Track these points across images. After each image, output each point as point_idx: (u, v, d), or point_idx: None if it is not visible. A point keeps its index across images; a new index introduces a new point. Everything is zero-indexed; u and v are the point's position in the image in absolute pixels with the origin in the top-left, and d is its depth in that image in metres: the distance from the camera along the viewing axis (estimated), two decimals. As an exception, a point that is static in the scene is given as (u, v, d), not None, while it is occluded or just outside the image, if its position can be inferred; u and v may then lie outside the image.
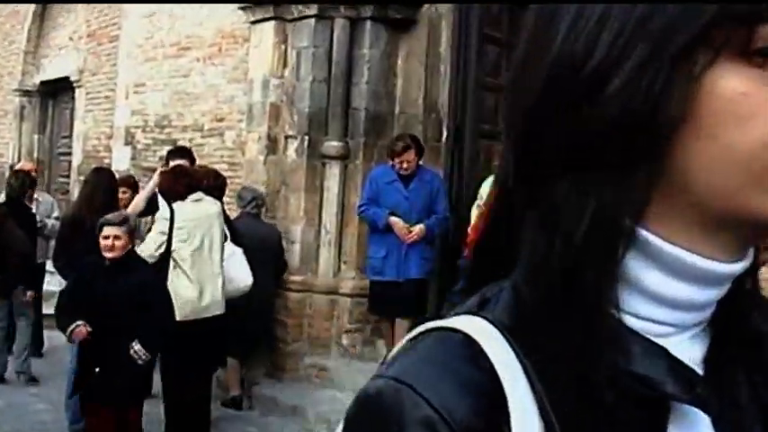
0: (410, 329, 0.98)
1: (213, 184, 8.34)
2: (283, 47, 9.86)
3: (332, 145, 9.57)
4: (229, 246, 8.10)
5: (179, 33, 12.12)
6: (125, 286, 6.57)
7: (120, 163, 12.73)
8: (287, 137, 9.77)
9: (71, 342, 7.02)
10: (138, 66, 12.83)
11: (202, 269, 7.62)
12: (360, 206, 9.06)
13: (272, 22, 9.82)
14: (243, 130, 10.47)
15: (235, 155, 10.75)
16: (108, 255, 6.59)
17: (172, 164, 9.02)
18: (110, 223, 6.68)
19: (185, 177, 7.95)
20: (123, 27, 13.35)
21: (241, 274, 8.08)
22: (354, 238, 9.48)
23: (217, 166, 9.76)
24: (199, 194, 7.80)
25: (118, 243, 6.58)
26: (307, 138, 9.60)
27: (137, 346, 6.55)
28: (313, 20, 9.53)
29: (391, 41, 9.68)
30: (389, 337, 8.97)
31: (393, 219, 8.72)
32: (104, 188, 8.51)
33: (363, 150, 9.49)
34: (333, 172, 9.59)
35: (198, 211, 7.68)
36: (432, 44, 9.79)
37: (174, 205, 7.74)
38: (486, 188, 8.01)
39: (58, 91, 15.95)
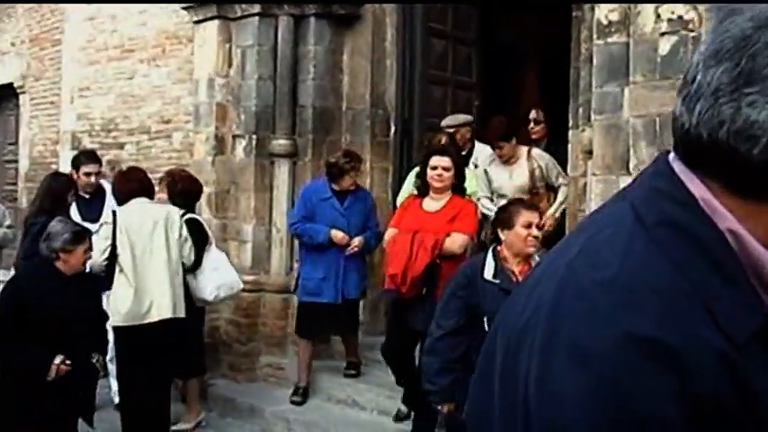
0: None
1: (182, 189, 8.30)
2: (228, 46, 9.81)
3: (280, 143, 9.54)
4: (214, 251, 8.13)
5: (122, 35, 12.04)
6: (86, 297, 6.51)
7: (68, 168, 12.59)
8: (234, 136, 9.73)
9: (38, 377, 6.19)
10: (82, 69, 12.71)
11: (144, 274, 7.49)
12: (293, 224, 8.72)
13: (216, 22, 9.76)
14: (190, 131, 10.42)
15: (183, 156, 10.69)
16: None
17: (84, 169, 9.07)
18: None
19: (131, 182, 7.88)
20: (65, 30, 13.23)
21: (232, 276, 8.25)
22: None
23: (165, 168, 9.70)
24: (143, 199, 7.74)
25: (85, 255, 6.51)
26: (254, 137, 9.57)
27: (96, 357, 6.51)
28: (257, 18, 9.49)
29: (336, 38, 9.66)
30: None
31: (335, 231, 8.42)
32: (44, 192, 8.43)
33: (312, 147, 9.48)
34: (282, 170, 9.57)
35: (140, 216, 7.59)
36: (377, 39, 9.79)
37: (118, 210, 7.68)
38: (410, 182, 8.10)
39: (1, 98, 15.76)
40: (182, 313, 7.56)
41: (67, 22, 13.14)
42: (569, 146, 7.54)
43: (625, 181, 6.44)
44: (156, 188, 8.20)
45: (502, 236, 5.91)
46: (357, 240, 8.50)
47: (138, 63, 11.72)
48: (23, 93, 14.58)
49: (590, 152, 6.89)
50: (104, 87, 12.31)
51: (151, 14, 11.47)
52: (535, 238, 5.91)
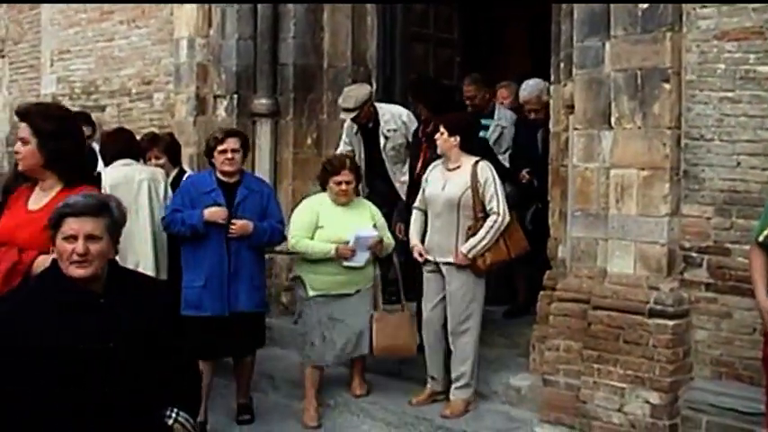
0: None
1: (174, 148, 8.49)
2: (207, 6, 9.77)
3: (261, 102, 9.54)
4: None
5: (101, -4, 11.94)
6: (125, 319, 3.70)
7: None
8: (216, 96, 9.73)
9: None
10: (62, 32, 12.60)
11: (129, 234, 7.19)
12: (162, 218, 7.34)
13: (195, -19, 9.71)
14: (171, 92, 10.38)
15: (164, 117, 10.65)
16: (79, 271, 3.62)
17: None
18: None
19: (117, 142, 7.90)
20: (44, -7, 13.11)
21: None
22: (289, 195, 9.45)
23: (146, 130, 9.66)
24: (129, 160, 7.73)
25: (94, 248, 3.64)
26: (236, 96, 9.58)
27: (175, 414, 3.83)
28: (236, -23, 9.43)
29: (316, -5, 9.60)
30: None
31: (210, 210, 7.08)
32: None
33: (293, 106, 9.47)
34: (264, 129, 9.57)
35: (126, 176, 7.56)
36: (357, -4, 9.74)
37: (103, 170, 7.67)
38: None
39: (-20, 62, 15.63)
40: (164, 275, 7.54)
41: (46, -15, 13.03)
42: (551, 101, 7.53)
43: (606, 136, 6.47)
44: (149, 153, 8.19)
45: None
46: (240, 222, 7.15)
47: (117, 24, 11.62)
48: (2, 57, 14.42)
49: (571, 107, 6.89)
50: (84, 50, 12.21)
51: (130, -25, 11.38)
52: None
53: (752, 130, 5.99)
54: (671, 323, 6.21)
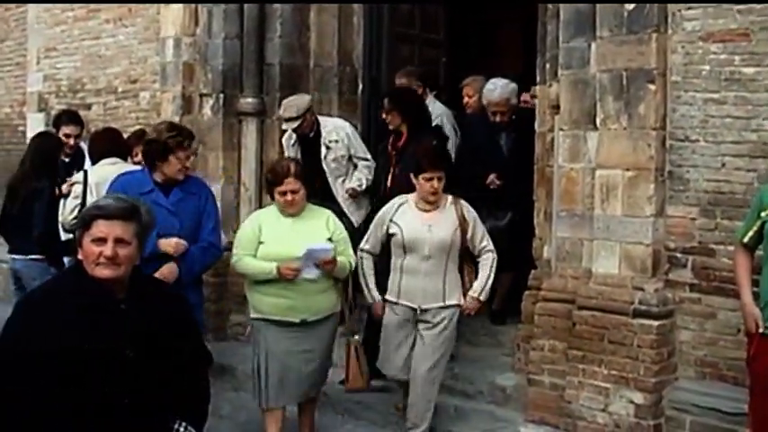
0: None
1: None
2: (194, 5, 9.74)
3: (247, 102, 9.53)
4: None
5: (87, -5, 11.92)
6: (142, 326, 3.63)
7: (35, 131, 12.47)
8: (202, 95, 9.71)
9: None
10: (48, 30, 12.56)
11: None
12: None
13: (182, -20, 9.70)
14: (157, 91, 10.36)
15: (150, 116, 10.60)
16: (105, 271, 3.58)
17: (64, 130, 9.00)
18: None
19: (103, 142, 7.91)
20: (30, -9, 13.07)
21: None
22: (275, 194, 9.42)
23: (132, 129, 9.65)
24: (114, 159, 7.71)
25: (123, 252, 3.59)
26: (222, 95, 9.56)
27: (183, 428, 3.79)
28: (223, -25, 9.42)
29: (303, -5, 9.60)
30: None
31: (164, 241, 6.25)
32: (33, 152, 8.37)
33: (279, 105, 9.44)
34: (250, 129, 9.57)
35: (111, 176, 7.53)
36: (344, -5, 9.74)
37: (90, 169, 7.66)
38: None
39: (-33, 60, 15.57)
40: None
41: (32, -18, 12.99)
42: (536, 101, 7.54)
43: (591, 136, 6.48)
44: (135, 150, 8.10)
45: None
46: (173, 241, 6.31)
47: (104, 23, 11.59)
48: (-11, 54, 14.44)
49: (557, 107, 6.90)
50: (71, 48, 12.17)
51: (117, -27, 11.36)
52: None
53: (737, 131, 6.01)
54: (655, 323, 6.23)
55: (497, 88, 8.20)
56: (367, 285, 6.84)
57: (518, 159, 7.92)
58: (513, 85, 8.24)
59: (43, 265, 7.93)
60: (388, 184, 7.73)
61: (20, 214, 8.01)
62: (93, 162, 7.85)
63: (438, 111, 8.62)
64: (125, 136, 8.56)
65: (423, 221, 6.62)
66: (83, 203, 7.47)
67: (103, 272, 3.54)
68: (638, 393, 6.22)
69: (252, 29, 9.49)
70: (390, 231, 6.69)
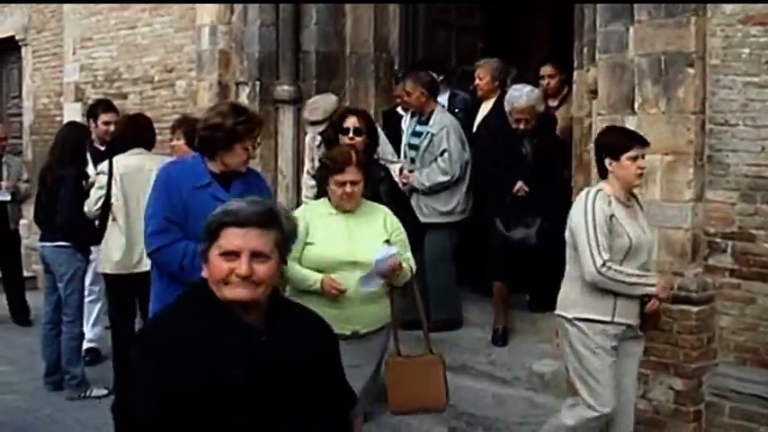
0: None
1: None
2: (229, -8, 9.77)
3: (284, 89, 9.54)
4: None
5: (123, -16, 11.96)
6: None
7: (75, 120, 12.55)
8: (238, 83, 9.73)
9: None
10: (84, 20, 12.62)
11: (136, 224, 7.04)
12: (149, 236, 5.26)
13: (217, -32, 9.72)
14: (193, 79, 10.39)
15: (187, 104, 10.64)
16: (238, 291, 2.86)
17: (103, 117, 9.00)
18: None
19: (129, 131, 7.88)
20: (66, -19, 13.13)
21: None
22: (311, 181, 9.44)
23: (169, 118, 9.69)
24: (140, 149, 7.73)
25: (261, 269, 2.87)
26: (258, 83, 9.57)
27: None
28: (258, -37, 9.43)
29: (338, -19, 9.58)
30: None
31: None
32: (62, 142, 8.40)
33: (316, 93, 9.42)
34: (286, 116, 9.58)
35: (136, 166, 7.56)
36: (380, -18, 9.71)
37: (115, 158, 7.67)
38: None
39: (4, 51, 15.65)
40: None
41: (68, -27, 13.04)
42: (574, 86, 7.50)
43: (630, 120, 6.43)
44: (171, 136, 8.06)
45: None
46: None
47: (139, 12, 11.63)
48: (26, 45, 14.50)
49: (595, 92, 6.86)
50: (107, 37, 12.22)
51: (152, -38, 11.39)
52: None
53: (777, 115, 5.96)
54: (695, 309, 6.19)
55: (523, 95, 7.70)
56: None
57: (542, 165, 7.80)
58: (538, 92, 7.93)
59: (70, 251, 8.01)
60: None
61: (47, 202, 8.08)
62: (119, 151, 7.82)
63: (445, 122, 8.18)
64: (164, 125, 8.56)
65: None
66: (108, 194, 7.53)
67: (236, 291, 2.82)
68: (678, 379, 6.19)
69: (288, 16, 9.49)
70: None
